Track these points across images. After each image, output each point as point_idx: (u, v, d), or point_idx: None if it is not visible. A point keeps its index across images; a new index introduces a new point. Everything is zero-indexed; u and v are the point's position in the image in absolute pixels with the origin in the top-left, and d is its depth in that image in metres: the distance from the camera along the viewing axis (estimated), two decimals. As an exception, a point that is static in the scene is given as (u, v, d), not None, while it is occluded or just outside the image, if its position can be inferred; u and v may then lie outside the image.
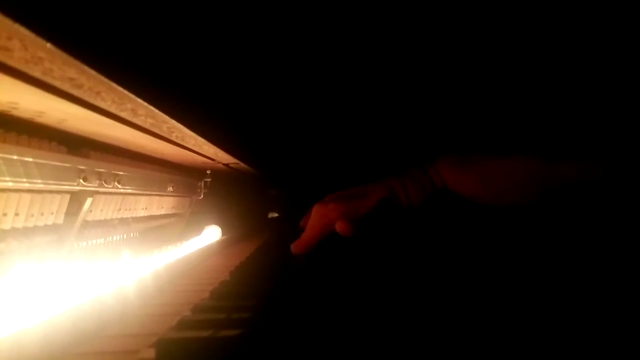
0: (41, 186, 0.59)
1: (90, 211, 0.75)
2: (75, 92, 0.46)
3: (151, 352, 0.39)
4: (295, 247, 0.62)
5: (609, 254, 0.49)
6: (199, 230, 1.25)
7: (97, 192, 0.73)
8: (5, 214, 0.56)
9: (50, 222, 0.65)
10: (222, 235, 1.30)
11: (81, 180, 0.66)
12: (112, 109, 0.54)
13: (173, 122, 0.62)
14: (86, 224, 0.75)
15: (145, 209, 1.00)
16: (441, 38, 0.99)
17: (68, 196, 0.67)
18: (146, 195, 0.97)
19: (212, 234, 1.26)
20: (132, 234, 0.96)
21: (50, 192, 0.63)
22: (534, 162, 0.53)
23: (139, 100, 0.49)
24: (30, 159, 0.56)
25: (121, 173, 0.78)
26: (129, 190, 0.84)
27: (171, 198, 1.14)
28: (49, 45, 0.33)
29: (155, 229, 1.11)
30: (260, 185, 1.94)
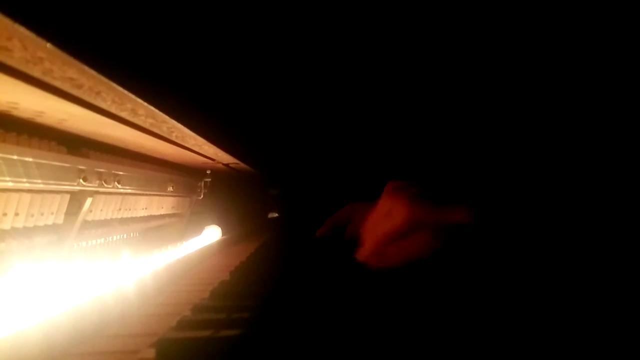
0: (41, 186, 0.59)
1: (90, 211, 0.75)
2: (75, 92, 0.46)
3: (151, 352, 0.39)
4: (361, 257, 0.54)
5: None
6: (199, 230, 1.25)
7: (97, 192, 0.73)
8: (5, 214, 0.56)
9: (50, 222, 0.65)
10: (222, 235, 1.30)
11: (81, 180, 0.66)
12: (112, 109, 0.54)
13: (173, 122, 0.62)
14: (86, 224, 0.75)
15: (145, 209, 1.00)
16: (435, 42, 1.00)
17: (68, 196, 0.67)
18: (146, 195, 0.97)
19: (212, 234, 1.26)
20: (132, 234, 0.96)
21: (50, 192, 0.63)
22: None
23: (139, 100, 0.49)
24: (30, 159, 0.56)
25: (121, 173, 0.78)
26: (129, 190, 0.84)
27: (171, 198, 1.14)
28: (49, 45, 0.33)
29: (155, 229, 1.11)
30: (260, 185, 1.94)
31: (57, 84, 0.43)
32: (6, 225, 0.57)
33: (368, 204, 0.56)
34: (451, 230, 0.45)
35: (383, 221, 0.50)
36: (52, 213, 0.65)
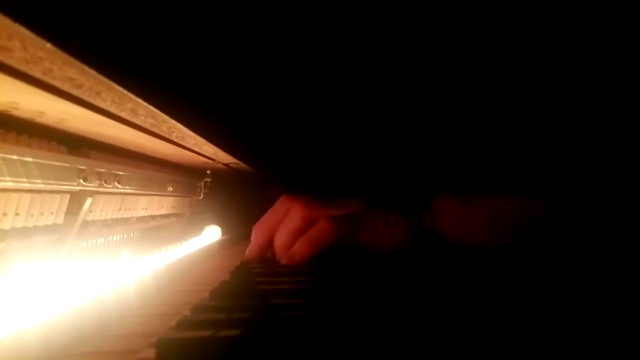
0: (41, 186, 0.59)
1: (90, 211, 0.75)
2: (75, 92, 0.46)
3: (151, 352, 0.39)
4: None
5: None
6: (199, 230, 1.25)
7: (97, 192, 0.73)
8: (5, 214, 0.56)
9: (50, 222, 0.65)
10: (222, 235, 1.30)
11: (81, 180, 0.66)
12: (112, 109, 0.54)
13: (173, 122, 0.62)
14: (86, 224, 0.75)
15: (145, 209, 1.00)
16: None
17: (68, 196, 0.67)
18: (146, 195, 0.97)
19: (212, 234, 1.26)
20: (132, 234, 0.96)
21: (50, 192, 0.63)
22: (529, 201, 0.52)
23: (139, 100, 0.49)
24: (30, 159, 0.56)
25: (121, 173, 0.78)
26: (129, 190, 0.84)
27: (171, 198, 1.14)
28: (49, 45, 0.33)
29: (155, 229, 1.11)
30: (260, 185, 1.94)
31: (57, 84, 0.43)
32: (6, 225, 0.57)
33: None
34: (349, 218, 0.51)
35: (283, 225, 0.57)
36: (52, 213, 0.65)
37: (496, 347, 0.36)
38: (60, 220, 0.67)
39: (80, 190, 0.68)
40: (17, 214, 0.58)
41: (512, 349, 0.36)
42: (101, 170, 0.72)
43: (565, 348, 0.35)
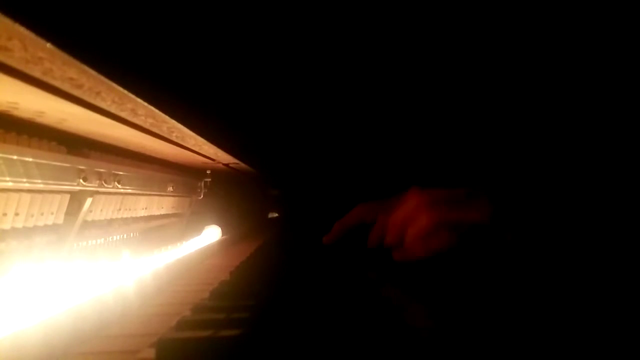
0: (41, 186, 0.59)
1: (90, 211, 0.75)
2: (75, 92, 0.46)
3: (151, 352, 0.39)
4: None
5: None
6: (199, 230, 1.25)
7: (97, 192, 0.73)
8: (5, 214, 0.56)
9: (50, 222, 0.65)
10: (222, 235, 1.30)
11: (81, 180, 0.66)
12: (112, 109, 0.54)
13: (173, 122, 0.62)
14: (86, 224, 0.75)
15: (145, 209, 1.00)
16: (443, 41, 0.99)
17: (68, 196, 0.67)
18: (146, 195, 0.97)
19: (212, 234, 1.26)
20: (132, 234, 0.96)
21: (50, 192, 0.63)
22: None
23: (139, 100, 0.49)
24: (30, 159, 0.56)
25: (121, 173, 0.78)
26: (129, 190, 0.84)
27: (171, 198, 1.14)
28: (49, 45, 0.33)
29: (155, 229, 1.11)
30: (260, 185, 1.94)
31: (57, 84, 0.43)
32: (6, 225, 0.57)
33: (379, 204, 0.57)
34: (469, 229, 0.48)
35: (408, 222, 0.52)
36: (52, 213, 0.65)
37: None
38: (60, 220, 0.67)
39: (80, 190, 0.68)
40: (17, 214, 0.58)
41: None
42: (101, 170, 0.72)
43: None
